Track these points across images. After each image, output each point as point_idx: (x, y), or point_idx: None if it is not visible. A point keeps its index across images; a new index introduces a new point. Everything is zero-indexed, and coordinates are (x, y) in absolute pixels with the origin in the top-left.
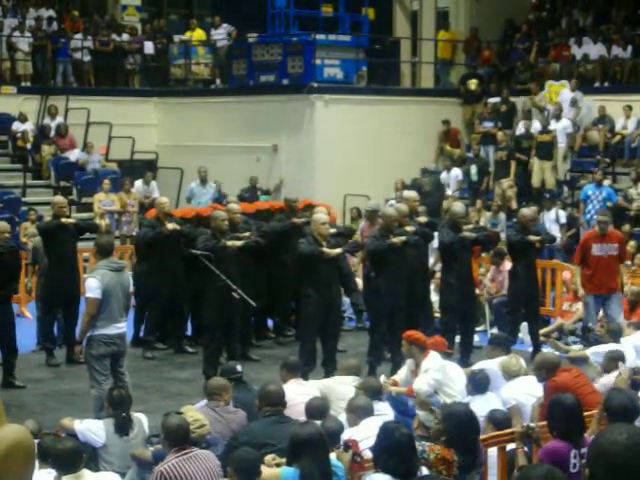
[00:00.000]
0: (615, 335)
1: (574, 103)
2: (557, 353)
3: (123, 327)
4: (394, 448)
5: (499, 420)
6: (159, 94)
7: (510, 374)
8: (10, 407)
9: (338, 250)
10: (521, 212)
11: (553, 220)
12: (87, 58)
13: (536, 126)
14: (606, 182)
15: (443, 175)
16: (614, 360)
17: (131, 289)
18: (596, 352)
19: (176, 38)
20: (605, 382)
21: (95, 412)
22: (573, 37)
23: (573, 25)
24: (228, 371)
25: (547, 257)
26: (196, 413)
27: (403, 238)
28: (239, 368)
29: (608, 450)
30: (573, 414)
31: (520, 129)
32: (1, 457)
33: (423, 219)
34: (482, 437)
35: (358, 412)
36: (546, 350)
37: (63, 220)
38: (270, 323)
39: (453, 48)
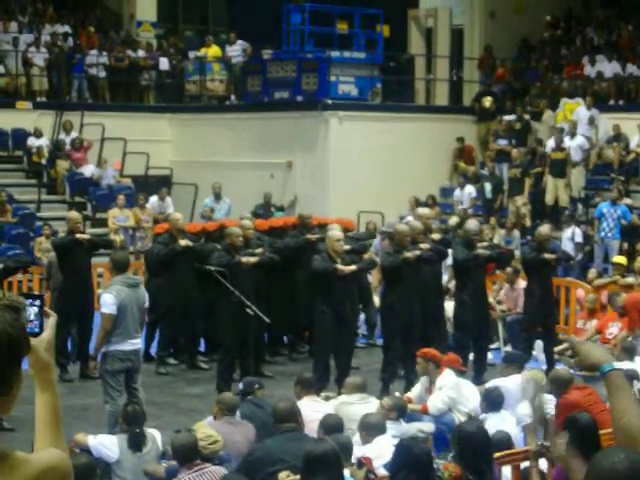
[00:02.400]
0: (630, 353)
1: (592, 121)
2: (571, 371)
3: (138, 343)
4: (413, 463)
5: (499, 443)
6: (174, 110)
7: (541, 388)
8: (24, 422)
9: (352, 267)
10: (538, 230)
11: (569, 238)
12: (102, 74)
13: (549, 144)
14: (627, 201)
15: (456, 192)
16: (628, 379)
17: (146, 305)
18: None
19: (191, 54)
20: None
21: (109, 428)
22: (587, 55)
23: (587, 43)
24: (249, 384)
25: (562, 275)
26: (209, 429)
27: (417, 253)
28: (257, 387)
29: (608, 478)
30: (588, 433)
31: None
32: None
33: (437, 236)
34: (496, 455)
35: (370, 430)
36: (560, 368)
37: (77, 236)
38: (285, 339)
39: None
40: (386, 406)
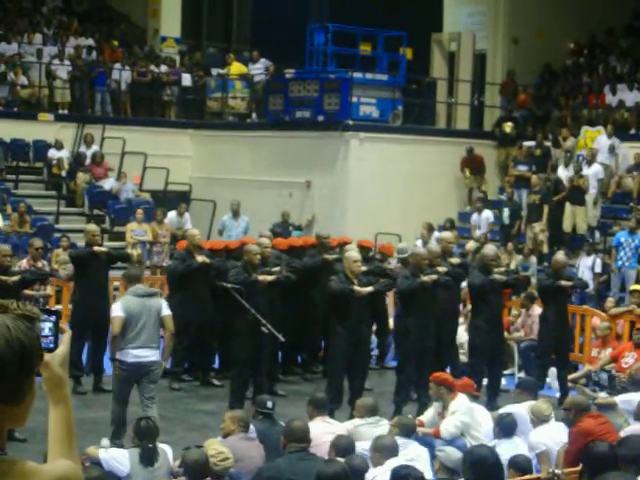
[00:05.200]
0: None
1: (612, 150)
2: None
3: (150, 354)
4: None
5: (521, 465)
6: (195, 126)
7: (540, 418)
8: (36, 433)
9: (369, 289)
10: (555, 257)
11: (588, 267)
12: (125, 88)
13: (568, 171)
14: None
15: (474, 217)
16: None
17: (164, 313)
18: (625, 400)
19: (214, 71)
20: (632, 430)
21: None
22: (609, 84)
23: (610, 72)
24: (258, 404)
25: (578, 303)
26: (220, 446)
27: (434, 277)
28: (270, 404)
29: None
30: (606, 463)
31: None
32: None
33: (456, 260)
34: None
35: (383, 452)
36: (577, 395)
37: (95, 248)
38: (298, 359)
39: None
40: (395, 424)
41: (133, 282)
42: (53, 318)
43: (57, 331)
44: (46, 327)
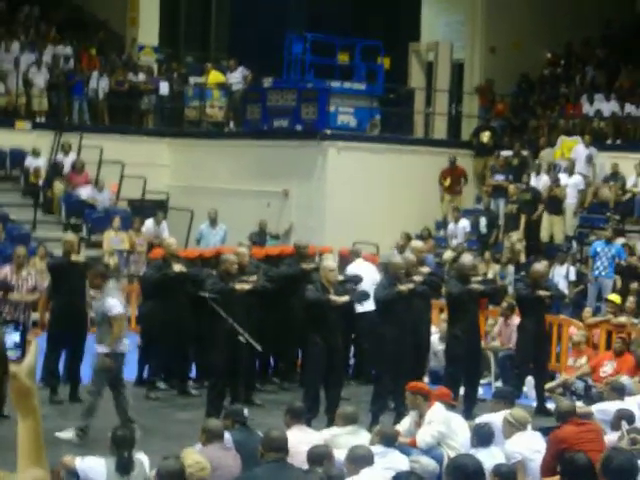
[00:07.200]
0: (619, 392)
1: (589, 159)
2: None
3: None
4: None
5: (504, 474)
6: (173, 135)
7: (521, 422)
8: (12, 443)
9: (345, 298)
10: (533, 267)
11: (562, 275)
12: (102, 96)
13: (545, 180)
14: (619, 240)
15: (450, 226)
16: (620, 419)
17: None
18: (601, 409)
19: (192, 80)
20: (608, 440)
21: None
22: (585, 94)
23: (586, 82)
24: (234, 413)
25: (554, 312)
26: (197, 456)
27: (411, 286)
28: (246, 412)
29: None
30: (583, 475)
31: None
32: None
33: (426, 270)
34: None
35: (358, 462)
36: (550, 406)
37: (73, 258)
38: (276, 368)
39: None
40: (377, 433)
41: (109, 277)
42: (19, 329)
43: (24, 342)
44: (13, 338)
